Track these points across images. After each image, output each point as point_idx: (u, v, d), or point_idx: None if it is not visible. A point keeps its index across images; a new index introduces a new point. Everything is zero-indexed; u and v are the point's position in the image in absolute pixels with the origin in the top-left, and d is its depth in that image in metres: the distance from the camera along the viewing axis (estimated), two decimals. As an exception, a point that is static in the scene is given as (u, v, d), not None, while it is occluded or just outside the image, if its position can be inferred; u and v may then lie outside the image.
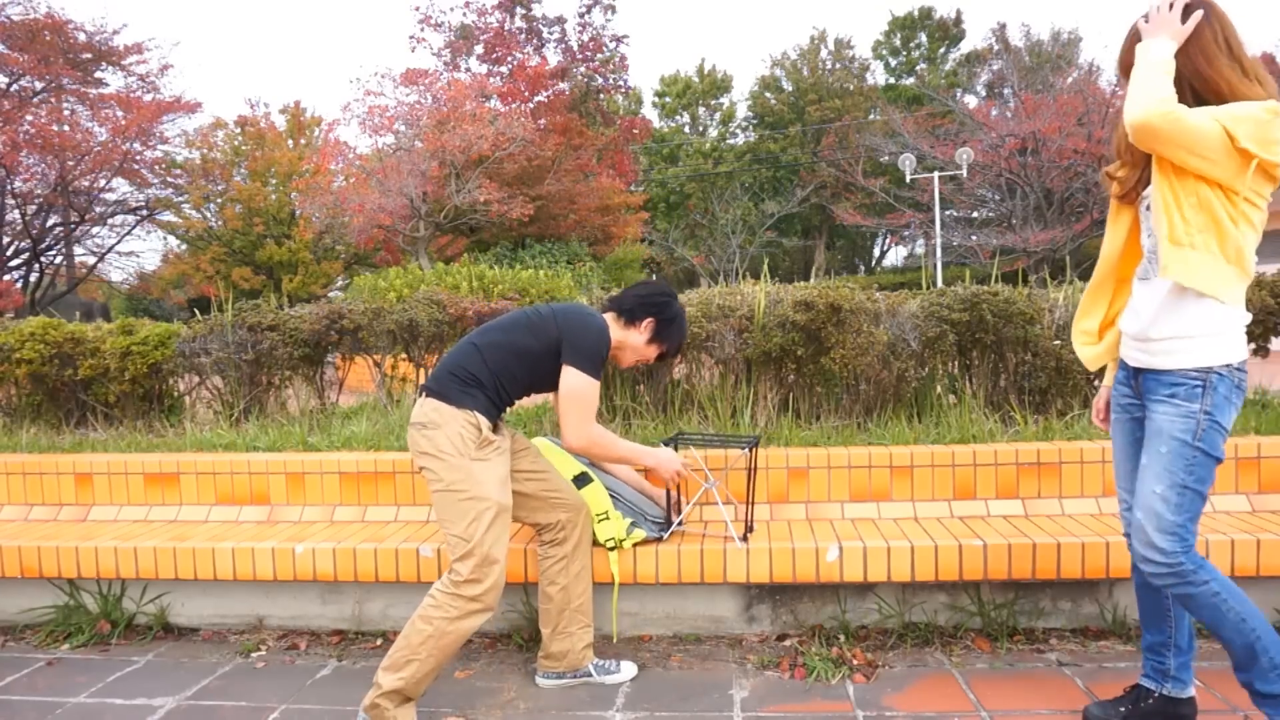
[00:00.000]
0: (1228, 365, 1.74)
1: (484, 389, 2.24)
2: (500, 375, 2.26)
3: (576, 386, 2.25)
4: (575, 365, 2.25)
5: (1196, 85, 1.71)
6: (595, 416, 2.33)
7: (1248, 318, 1.78)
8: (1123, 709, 1.99)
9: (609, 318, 2.41)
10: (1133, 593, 2.59)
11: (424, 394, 2.26)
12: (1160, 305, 1.77)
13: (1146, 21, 1.74)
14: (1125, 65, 1.79)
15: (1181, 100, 1.67)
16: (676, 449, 2.63)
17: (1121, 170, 1.91)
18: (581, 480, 2.57)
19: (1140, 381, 1.86)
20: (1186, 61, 1.70)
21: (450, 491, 2.15)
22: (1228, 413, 1.75)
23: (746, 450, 2.69)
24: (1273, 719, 1.77)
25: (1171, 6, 1.70)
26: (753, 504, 2.70)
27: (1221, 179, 1.66)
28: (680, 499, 2.77)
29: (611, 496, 2.62)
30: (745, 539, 2.60)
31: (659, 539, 2.63)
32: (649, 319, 2.41)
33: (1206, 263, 1.69)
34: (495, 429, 2.29)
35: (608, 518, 2.55)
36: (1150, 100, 1.62)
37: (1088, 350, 2.03)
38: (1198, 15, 1.70)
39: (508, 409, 2.38)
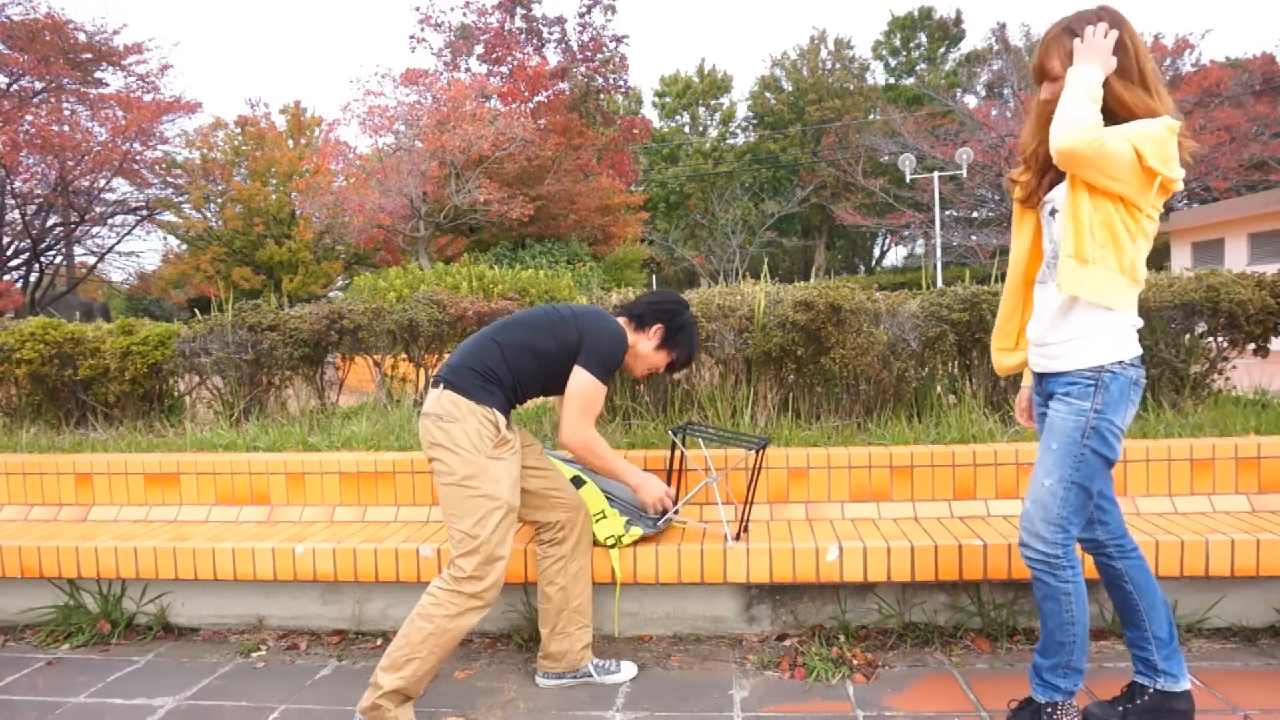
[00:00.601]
0: (1119, 363, 1.80)
1: (503, 387, 2.25)
2: (519, 375, 2.27)
3: (584, 387, 2.26)
4: (587, 367, 2.26)
5: (1111, 104, 1.77)
6: (595, 421, 2.33)
7: (1139, 322, 1.85)
8: (1120, 708, 2.01)
9: (621, 323, 2.42)
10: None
11: (441, 385, 2.24)
12: (1055, 311, 1.85)
13: (1080, 41, 1.76)
14: (1043, 72, 1.85)
15: None
16: (685, 440, 2.63)
17: (1024, 175, 1.97)
18: (576, 483, 2.57)
19: (1044, 385, 1.95)
20: (1105, 83, 1.75)
21: (461, 486, 2.15)
22: (1122, 411, 1.82)
23: (755, 451, 2.68)
24: (1036, 692, 1.94)
25: (1106, 34, 1.74)
26: (751, 505, 2.69)
27: (1128, 195, 1.73)
28: (678, 492, 2.76)
29: (606, 496, 2.62)
30: (738, 538, 2.60)
31: (656, 532, 2.63)
32: (658, 325, 2.42)
33: (1102, 277, 1.76)
34: (509, 426, 2.29)
35: (605, 516, 2.55)
36: (1080, 128, 1.66)
37: (1005, 358, 2.10)
38: (1113, 35, 1.74)
39: (521, 405, 2.39)
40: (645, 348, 2.43)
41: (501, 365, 2.25)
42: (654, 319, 2.42)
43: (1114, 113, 1.76)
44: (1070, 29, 1.79)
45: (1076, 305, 1.81)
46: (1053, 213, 1.88)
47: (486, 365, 2.24)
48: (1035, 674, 1.95)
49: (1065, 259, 1.76)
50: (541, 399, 3.30)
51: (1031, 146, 1.94)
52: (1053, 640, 1.90)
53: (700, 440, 2.76)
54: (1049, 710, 1.92)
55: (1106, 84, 1.74)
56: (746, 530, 2.67)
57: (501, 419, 2.21)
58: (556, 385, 2.32)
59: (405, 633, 2.10)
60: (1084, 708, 2.05)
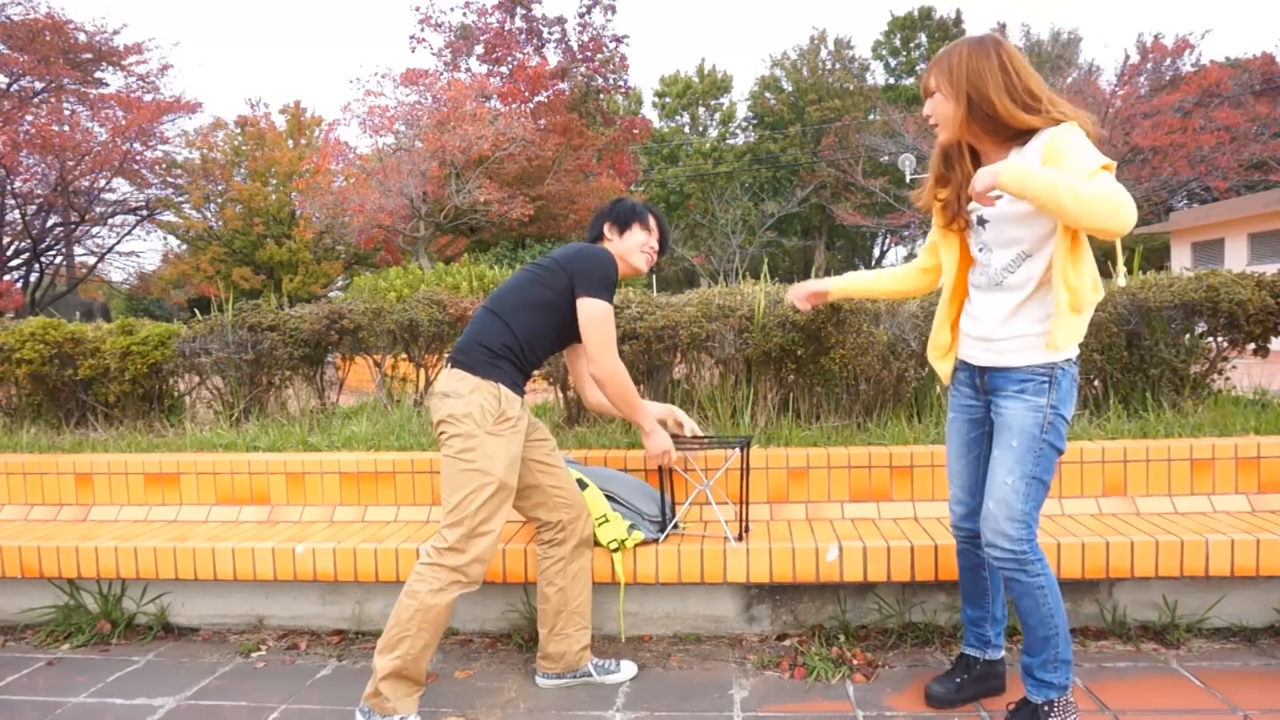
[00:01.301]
0: (1069, 360, 1.88)
1: (511, 358, 2.24)
2: (527, 338, 2.27)
3: (594, 312, 2.26)
4: (588, 293, 2.26)
5: (1000, 120, 1.82)
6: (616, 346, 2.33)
7: (1086, 319, 1.87)
8: (958, 680, 2.18)
9: (607, 237, 2.45)
10: (1133, 592, 2.62)
11: (450, 364, 2.26)
12: (1003, 312, 1.90)
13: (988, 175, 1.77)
14: (925, 90, 1.93)
15: (981, 132, 1.87)
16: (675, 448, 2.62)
17: (943, 193, 2.02)
18: (579, 486, 2.57)
19: (985, 379, 1.98)
20: (984, 103, 1.81)
21: (457, 459, 2.16)
22: (1070, 405, 1.90)
23: (738, 450, 2.69)
24: (1031, 693, 1.97)
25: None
26: (747, 504, 2.69)
27: None
28: (673, 501, 2.76)
29: (609, 499, 2.62)
30: (741, 538, 2.60)
31: (656, 540, 2.63)
32: (610, 221, 2.46)
33: (1087, 313, 1.83)
34: (522, 401, 2.29)
35: (607, 520, 2.55)
36: (1130, 207, 1.60)
37: (944, 365, 2.15)
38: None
39: (536, 369, 2.38)
40: (621, 245, 2.43)
41: (505, 334, 2.25)
42: (604, 219, 2.47)
43: (1001, 124, 1.82)
44: (947, 55, 1.88)
45: (1028, 304, 1.88)
46: (981, 221, 1.93)
47: (491, 338, 2.25)
48: (1027, 675, 1.98)
49: (1064, 313, 1.79)
50: (541, 400, 3.30)
51: (942, 166, 2.01)
52: (1036, 637, 1.93)
53: (685, 449, 2.72)
54: (1045, 709, 1.94)
55: (993, 104, 1.80)
56: (748, 530, 2.67)
57: (506, 393, 2.21)
58: (569, 332, 2.32)
59: (395, 613, 2.13)
60: (926, 685, 2.21)
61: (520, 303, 2.28)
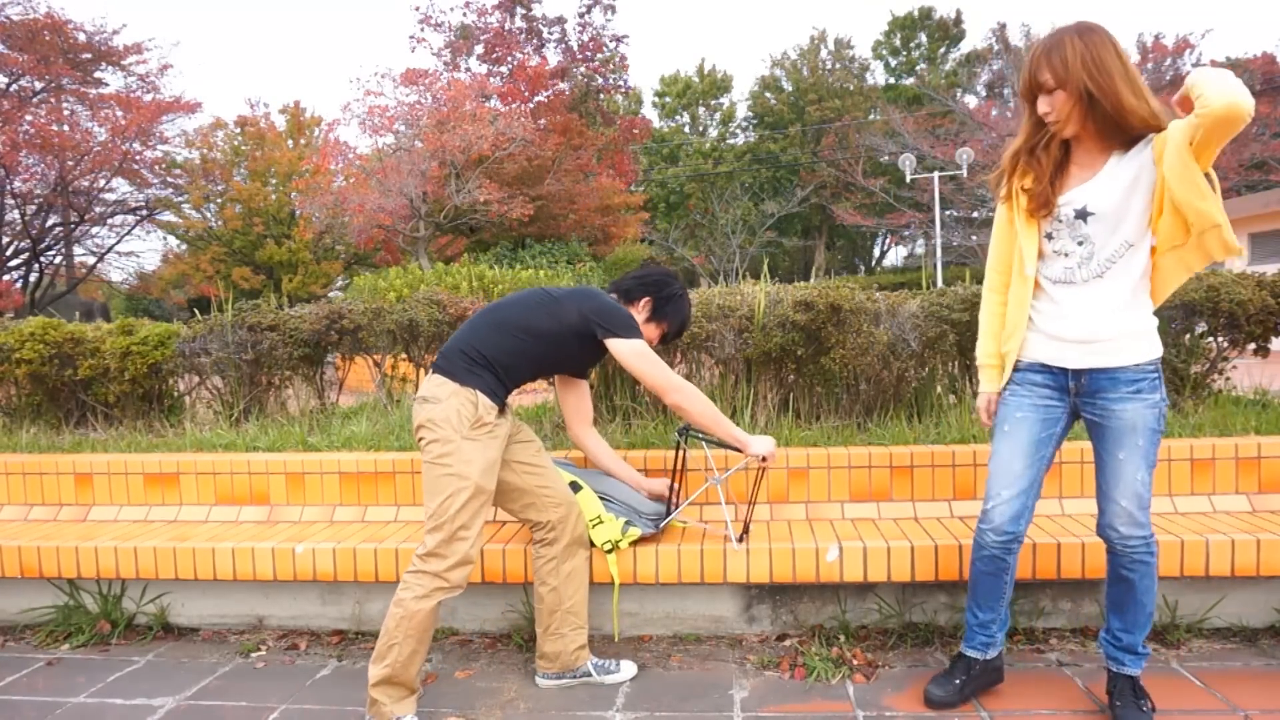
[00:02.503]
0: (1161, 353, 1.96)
1: (491, 369, 2.25)
2: (511, 354, 2.27)
3: (634, 347, 2.28)
4: (621, 335, 2.28)
5: (1125, 116, 1.82)
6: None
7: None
8: (958, 680, 2.19)
9: (637, 308, 2.46)
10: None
11: (432, 369, 2.28)
12: (1109, 306, 1.91)
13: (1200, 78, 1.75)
14: (1036, 85, 1.87)
15: (1096, 130, 1.87)
16: (686, 441, 2.62)
17: (1028, 181, 1.97)
18: (573, 489, 2.56)
19: (1085, 381, 1.96)
20: (1107, 99, 1.80)
21: (435, 464, 2.17)
22: None
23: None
24: (1131, 668, 2.05)
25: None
26: (754, 506, 2.69)
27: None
28: (679, 493, 2.76)
29: (602, 499, 2.61)
30: (741, 540, 2.59)
31: (656, 532, 2.62)
32: (646, 298, 2.44)
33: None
34: (502, 411, 2.30)
35: (601, 522, 2.54)
36: (1247, 94, 1.66)
37: (997, 375, 2.14)
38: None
39: (515, 389, 2.38)
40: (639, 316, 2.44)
41: (489, 345, 2.26)
42: (641, 293, 2.44)
43: (1126, 121, 1.82)
44: (1053, 46, 1.84)
45: (1138, 298, 1.91)
46: (1082, 214, 1.91)
47: (474, 347, 2.26)
48: (1127, 653, 2.05)
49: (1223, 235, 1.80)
50: (542, 400, 3.30)
51: (1034, 151, 1.96)
52: (1144, 614, 2.02)
53: (704, 443, 2.75)
54: (1140, 678, 2.07)
55: (1119, 98, 1.79)
56: (748, 532, 2.66)
57: (484, 400, 2.22)
58: (557, 365, 2.33)
59: (385, 622, 2.14)
60: (924, 688, 2.21)
61: (517, 321, 2.29)
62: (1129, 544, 1.96)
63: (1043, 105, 1.87)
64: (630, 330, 2.29)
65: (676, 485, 2.71)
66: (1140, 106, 1.80)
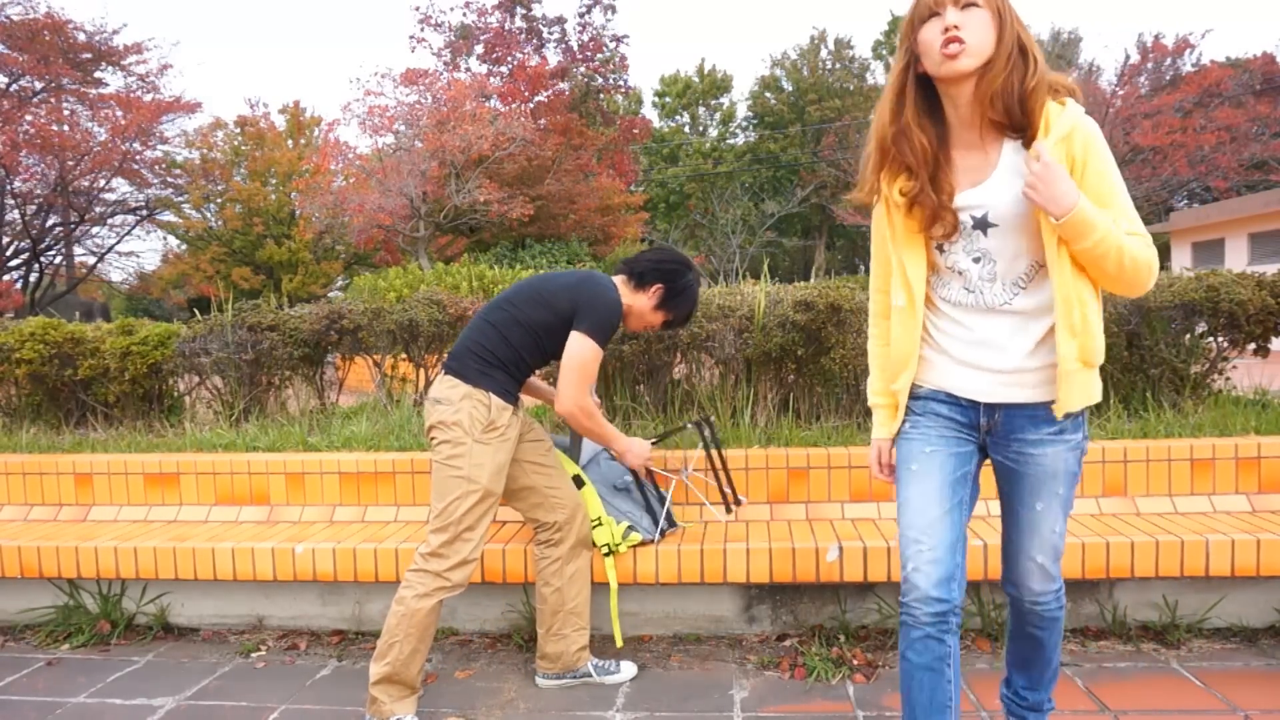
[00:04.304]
0: None
1: (503, 366, 2.26)
2: (519, 348, 2.28)
3: (581, 353, 2.23)
4: (586, 332, 2.24)
5: (1023, 79, 1.41)
6: (591, 386, 2.33)
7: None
8: None
9: (619, 280, 2.42)
10: (1134, 592, 2.61)
11: (444, 370, 2.29)
12: (1036, 335, 1.52)
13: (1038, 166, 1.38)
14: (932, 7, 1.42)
15: (998, 88, 1.41)
16: (708, 430, 2.68)
17: (906, 183, 1.53)
18: (576, 483, 2.56)
19: (999, 419, 1.57)
20: (1011, 30, 1.40)
21: (445, 465, 2.18)
22: None
23: (693, 428, 2.73)
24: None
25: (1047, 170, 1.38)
26: (726, 471, 2.73)
27: None
28: (667, 498, 2.77)
29: (605, 502, 2.61)
30: (731, 510, 2.61)
31: (653, 540, 2.63)
32: (658, 285, 2.40)
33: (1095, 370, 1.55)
34: (515, 409, 2.30)
35: (601, 523, 2.54)
36: (1153, 270, 1.45)
37: (891, 416, 1.70)
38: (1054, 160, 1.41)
39: (529, 378, 2.39)
40: (643, 306, 2.41)
41: (498, 343, 2.26)
42: (655, 279, 2.40)
43: (1026, 89, 1.40)
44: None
45: (1044, 325, 1.52)
46: (982, 224, 1.50)
47: (483, 346, 2.26)
48: (1033, 711, 1.81)
49: (1080, 371, 1.47)
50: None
51: (899, 139, 1.50)
52: (1051, 669, 1.77)
53: (664, 446, 2.77)
54: None
55: (1020, 37, 1.41)
56: (738, 503, 2.67)
57: (496, 401, 2.22)
58: (556, 350, 2.33)
59: (386, 621, 2.15)
60: None
61: (517, 318, 2.29)
62: (1040, 601, 1.66)
63: (953, 15, 1.38)
64: (599, 335, 2.25)
65: (669, 491, 2.73)
66: (1044, 71, 1.42)
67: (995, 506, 2.83)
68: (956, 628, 1.55)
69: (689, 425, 2.73)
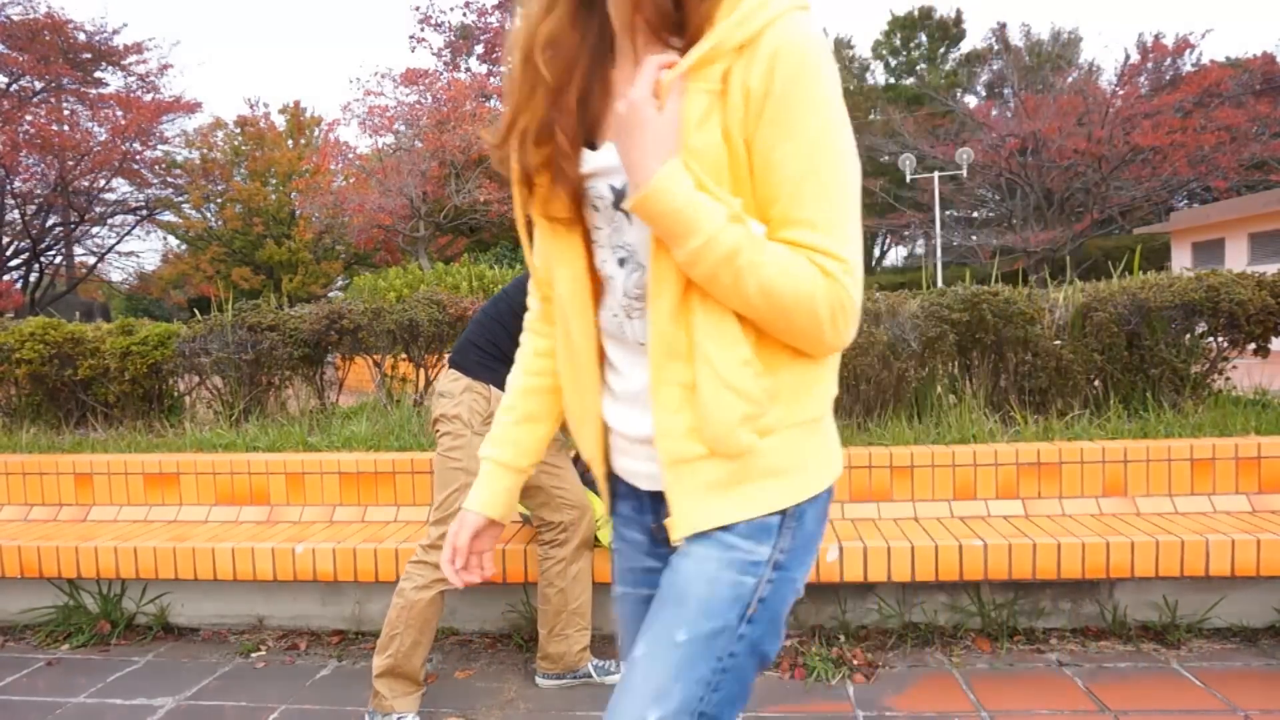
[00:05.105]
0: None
1: (505, 360, 2.25)
2: (516, 341, 2.27)
3: None
4: None
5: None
6: None
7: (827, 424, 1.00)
8: None
9: None
10: (1134, 592, 2.61)
11: (448, 364, 2.32)
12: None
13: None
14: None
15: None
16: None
17: (540, 154, 0.89)
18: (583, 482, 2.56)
19: (661, 515, 0.92)
20: None
21: (445, 457, 2.21)
22: (812, 557, 0.95)
23: None
24: None
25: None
26: None
27: None
28: None
29: None
30: None
31: None
32: None
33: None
34: None
35: (608, 522, 2.55)
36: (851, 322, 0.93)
37: (489, 472, 1.11)
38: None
39: None
40: None
41: (499, 335, 2.28)
42: None
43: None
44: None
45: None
46: (617, 204, 0.89)
47: (485, 339, 2.28)
48: None
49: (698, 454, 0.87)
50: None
51: (548, 127, 0.88)
52: None
53: None
54: None
55: None
56: None
57: (497, 394, 2.23)
58: None
59: (387, 615, 2.18)
60: None
61: (514, 310, 2.29)
62: None
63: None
64: None
65: None
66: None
67: (995, 506, 2.84)
68: None
69: None
